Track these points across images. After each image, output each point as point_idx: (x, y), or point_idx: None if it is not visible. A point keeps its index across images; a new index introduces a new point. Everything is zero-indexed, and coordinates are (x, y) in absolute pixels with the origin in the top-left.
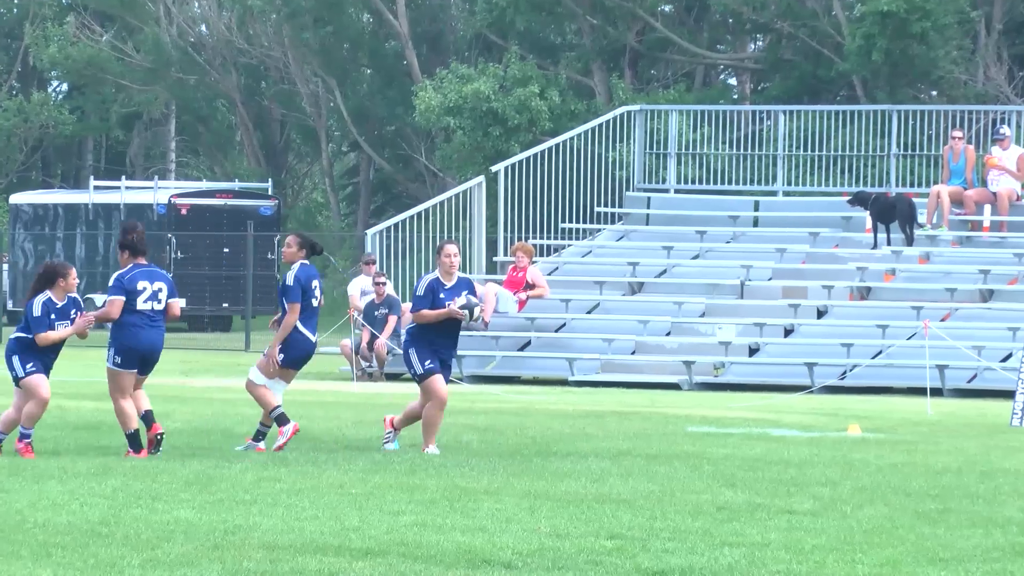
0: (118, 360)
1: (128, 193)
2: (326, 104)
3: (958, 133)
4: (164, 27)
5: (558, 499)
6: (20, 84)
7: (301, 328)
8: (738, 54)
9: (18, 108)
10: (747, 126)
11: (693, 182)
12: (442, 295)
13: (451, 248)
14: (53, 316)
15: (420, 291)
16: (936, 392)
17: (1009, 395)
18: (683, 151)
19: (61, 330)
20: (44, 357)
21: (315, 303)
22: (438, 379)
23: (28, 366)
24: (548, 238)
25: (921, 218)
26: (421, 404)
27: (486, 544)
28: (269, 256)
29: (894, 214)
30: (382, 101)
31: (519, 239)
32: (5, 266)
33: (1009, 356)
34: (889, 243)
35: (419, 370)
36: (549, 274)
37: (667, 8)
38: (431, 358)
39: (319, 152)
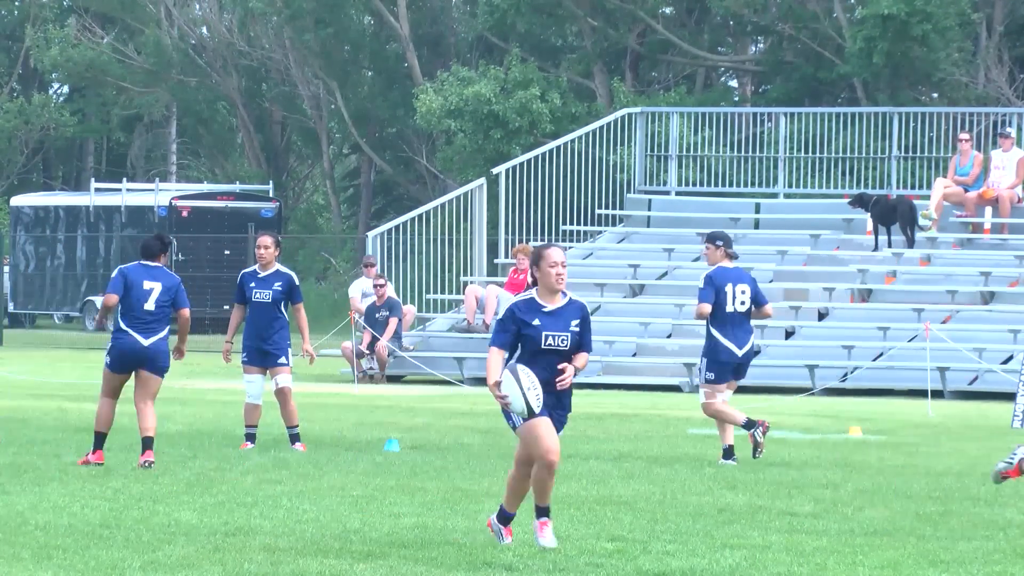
0: None
1: (129, 195)
2: (327, 106)
3: (965, 135)
4: (165, 29)
5: (559, 501)
6: (21, 86)
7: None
8: (739, 56)
9: (19, 110)
10: (748, 128)
11: (694, 184)
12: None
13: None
14: None
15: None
16: (937, 394)
17: (1010, 397)
18: (684, 153)
19: None
20: None
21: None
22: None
23: None
24: (550, 239)
25: (922, 221)
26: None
27: (487, 546)
28: None
29: (895, 216)
30: (383, 103)
31: (520, 241)
32: (6, 268)
33: (1010, 358)
34: (890, 245)
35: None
36: None
37: (668, 10)
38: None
39: (320, 154)
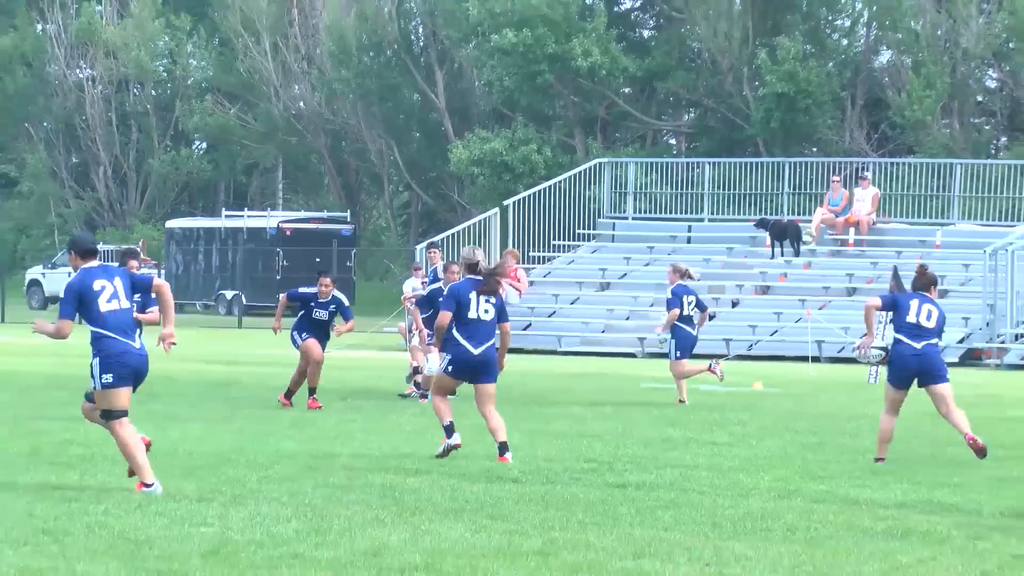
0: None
1: (249, 220)
2: (387, 157)
3: (837, 178)
4: (274, 103)
5: (550, 434)
6: (172, 143)
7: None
8: (677, 122)
9: (171, 160)
10: (683, 173)
11: (645, 212)
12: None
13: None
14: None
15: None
16: (815, 359)
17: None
18: (638, 190)
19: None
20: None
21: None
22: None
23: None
24: (544, 251)
25: (807, 236)
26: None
27: (500, 465)
28: (347, 264)
29: (786, 234)
30: (427, 155)
31: (523, 254)
32: (163, 272)
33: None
34: (783, 255)
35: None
36: (544, 276)
37: (627, 90)
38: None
39: (383, 191)
